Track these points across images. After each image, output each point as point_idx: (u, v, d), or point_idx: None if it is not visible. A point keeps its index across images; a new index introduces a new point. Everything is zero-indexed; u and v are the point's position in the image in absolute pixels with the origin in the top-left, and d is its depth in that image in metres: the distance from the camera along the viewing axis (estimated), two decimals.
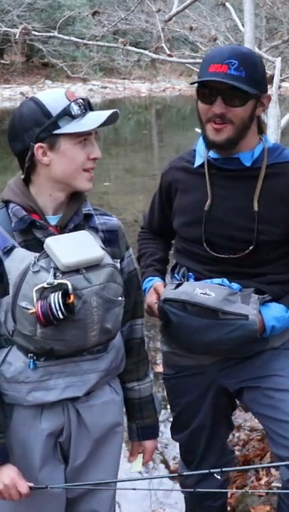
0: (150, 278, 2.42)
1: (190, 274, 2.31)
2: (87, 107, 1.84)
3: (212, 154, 2.26)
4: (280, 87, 4.39)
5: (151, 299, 2.35)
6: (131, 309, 2.09)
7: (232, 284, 2.21)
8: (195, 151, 2.34)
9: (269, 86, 4.25)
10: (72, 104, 1.80)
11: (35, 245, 1.82)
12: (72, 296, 1.73)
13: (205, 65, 2.14)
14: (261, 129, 2.31)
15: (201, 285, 2.21)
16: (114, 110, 1.85)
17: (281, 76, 4.60)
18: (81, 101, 1.83)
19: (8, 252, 1.82)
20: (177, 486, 3.04)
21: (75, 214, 1.90)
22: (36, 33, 5.74)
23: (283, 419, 2.20)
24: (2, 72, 27.60)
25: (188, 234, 2.33)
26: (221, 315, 2.14)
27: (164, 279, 2.45)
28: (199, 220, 2.25)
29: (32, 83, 26.35)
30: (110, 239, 1.97)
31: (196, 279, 2.29)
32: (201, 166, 2.29)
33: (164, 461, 3.46)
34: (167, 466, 3.41)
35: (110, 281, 1.83)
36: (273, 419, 2.24)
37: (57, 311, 1.71)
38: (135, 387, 2.12)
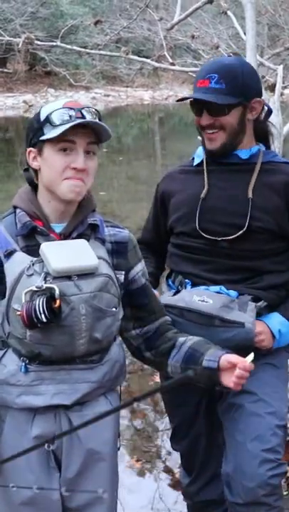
0: None
1: (187, 281, 2.32)
2: (77, 115, 1.80)
3: None
4: (282, 94, 4.40)
5: None
6: (157, 311, 2.06)
7: (229, 291, 2.22)
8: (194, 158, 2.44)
9: (271, 94, 4.29)
10: (58, 111, 1.81)
11: (37, 251, 1.83)
12: (58, 301, 1.75)
13: (195, 80, 2.30)
14: (261, 137, 2.39)
15: (199, 292, 2.23)
16: (95, 121, 1.80)
17: (283, 83, 4.61)
18: (71, 110, 1.80)
19: (9, 255, 1.84)
20: (181, 496, 3.04)
21: (80, 223, 1.90)
22: (39, 42, 5.76)
23: (239, 440, 2.20)
24: (5, 81, 27.74)
25: (183, 227, 2.35)
26: (218, 322, 2.15)
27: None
28: (195, 210, 2.31)
29: (35, 91, 26.48)
30: (118, 250, 1.96)
31: (193, 285, 2.30)
32: (200, 164, 2.38)
33: (169, 470, 3.45)
34: (172, 474, 3.40)
35: (103, 290, 1.84)
36: (232, 436, 2.24)
37: (40, 314, 1.73)
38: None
